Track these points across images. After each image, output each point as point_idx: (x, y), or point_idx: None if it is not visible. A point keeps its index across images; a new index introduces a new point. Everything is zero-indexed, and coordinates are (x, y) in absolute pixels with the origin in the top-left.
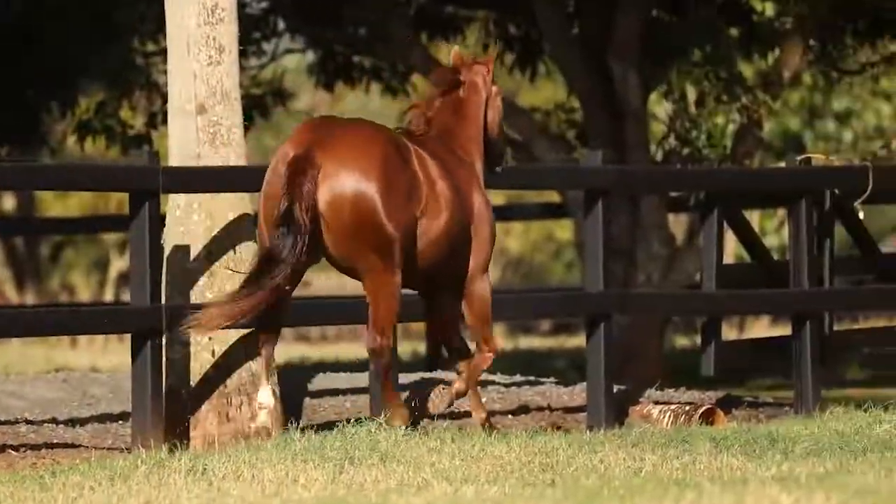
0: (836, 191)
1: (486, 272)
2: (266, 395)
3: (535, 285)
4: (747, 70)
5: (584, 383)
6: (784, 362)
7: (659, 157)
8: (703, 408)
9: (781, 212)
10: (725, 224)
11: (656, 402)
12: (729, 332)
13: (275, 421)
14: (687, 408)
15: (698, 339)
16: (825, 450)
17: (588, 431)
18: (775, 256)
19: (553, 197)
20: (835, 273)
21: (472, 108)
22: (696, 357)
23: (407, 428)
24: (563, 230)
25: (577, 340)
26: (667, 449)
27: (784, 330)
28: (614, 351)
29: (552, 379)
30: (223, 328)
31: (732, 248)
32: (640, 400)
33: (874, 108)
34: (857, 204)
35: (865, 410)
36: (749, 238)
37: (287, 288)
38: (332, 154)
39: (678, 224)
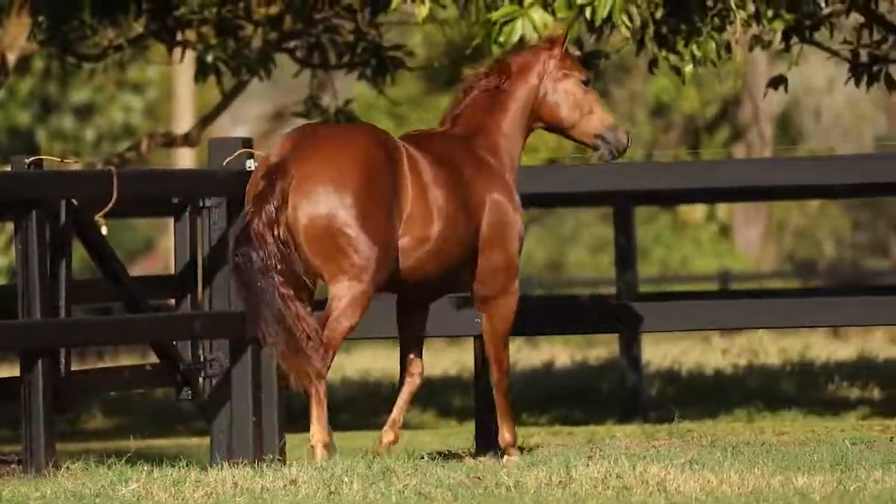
0: (75, 201)
1: (514, 286)
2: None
3: None
4: None
5: None
6: (11, 409)
7: None
8: None
9: (9, 226)
10: None
11: None
12: None
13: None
14: None
15: None
16: None
17: None
18: (3, 280)
19: None
20: (73, 300)
21: (512, 99)
22: None
23: None
24: None
25: None
26: None
27: (11, 370)
28: None
29: None
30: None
31: None
32: None
33: (122, 102)
34: (99, 217)
35: (108, 467)
36: None
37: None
38: (305, 163)
39: None
